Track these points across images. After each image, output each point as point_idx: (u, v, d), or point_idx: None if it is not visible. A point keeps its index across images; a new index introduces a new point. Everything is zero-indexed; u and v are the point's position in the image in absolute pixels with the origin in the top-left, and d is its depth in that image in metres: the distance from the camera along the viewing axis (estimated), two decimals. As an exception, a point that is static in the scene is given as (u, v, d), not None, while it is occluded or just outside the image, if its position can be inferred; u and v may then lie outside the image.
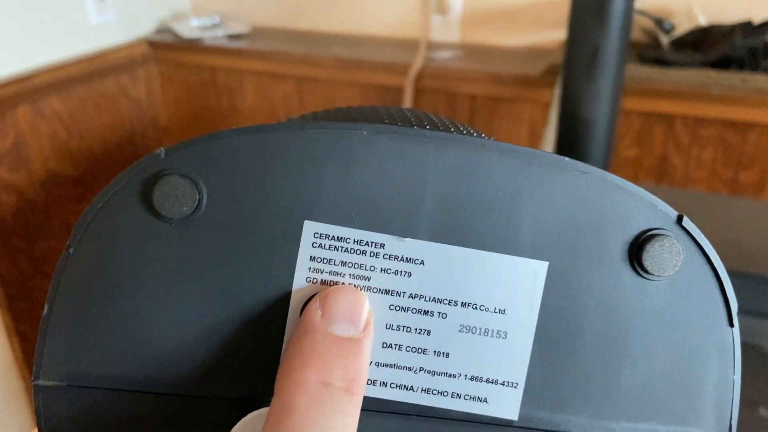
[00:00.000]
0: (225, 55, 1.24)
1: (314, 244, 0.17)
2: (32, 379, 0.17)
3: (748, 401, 0.44)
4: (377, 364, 0.17)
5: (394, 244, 0.17)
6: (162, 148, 0.17)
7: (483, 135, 0.21)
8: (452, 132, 0.19)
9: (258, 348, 0.17)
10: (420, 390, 0.17)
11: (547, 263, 0.17)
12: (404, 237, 0.17)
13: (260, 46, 1.23)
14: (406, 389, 0.17)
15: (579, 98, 0.78)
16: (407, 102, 1.12)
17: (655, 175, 1.02)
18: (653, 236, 0.17)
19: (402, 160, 0.17)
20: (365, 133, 0.16)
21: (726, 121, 0.94)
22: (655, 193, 0.17)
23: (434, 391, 0.17)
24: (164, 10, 1.36)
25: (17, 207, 1.06)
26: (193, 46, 1.26)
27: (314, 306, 0.16)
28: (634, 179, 1.02)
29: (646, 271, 0.17)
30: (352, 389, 0.16)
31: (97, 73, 1.18)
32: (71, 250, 0.17)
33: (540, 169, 0.17)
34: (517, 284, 0.17)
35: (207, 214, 0.17)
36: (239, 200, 0.17)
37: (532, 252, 0.17)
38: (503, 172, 0.17)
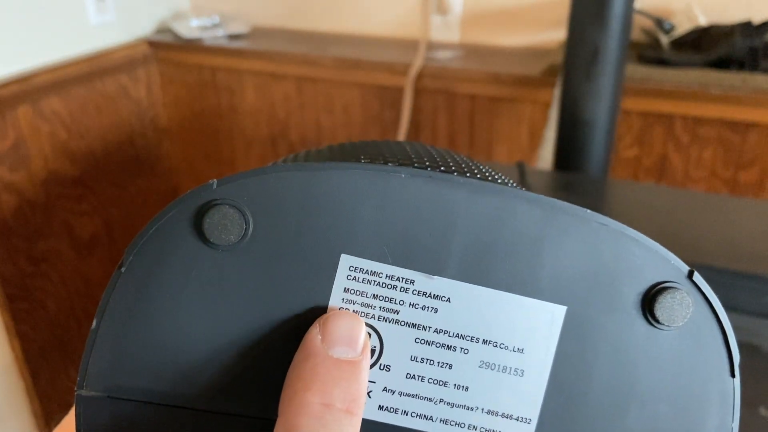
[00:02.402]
0: (225, 55, 1.24)
1: (349, 277, 0.18)
2: (75, 389, 0.18)
3: (748, 401, 0.44)
4: (400, 393, 0.18)
5: (423, 281, 0.18)
6: (214, 179, 0.18)
7: (506, 179, 0.23)
8: (477, 175, 0.21)
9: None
10: (439, 420, 0.18)
11: (565, 308, 0.18)
12: (433, 275, 0.18)
13: (260, 46, 1.23)
14: (426, 418, 0.18)
15: (579, 98, 0.78)
16: (407, 102, 1.12)
17: (655, 175, 1.02)
18: (665, 289, 0.18)
19: (435, 202, 0.18)
20: (403, 176, 0.18)
21: (726, 121, 0.94)
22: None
23: (452, 422, 0.18)
24: (164, 10, 1.36)
25: (17, 207, 1.06)
26: (193, 46, 1.26)
27: (314, 331, 0.17)
28: (634, 179, 1.02)
29: (658, 321, 0.18)
30: (352, 410, 0.16)
31: (97, 73, 1.18)
32: (123, 269, 0.18)
33: (562, 220, 0.18)
34: (535, 326, 0.18)
35: (252, 243, 0.18)
36: (282, 231, 0.18)
37: (551, 296, 0.18)
38: (528, 220, 0.18)
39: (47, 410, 1.16)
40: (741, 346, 0.18)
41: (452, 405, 0.18)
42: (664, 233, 0.60)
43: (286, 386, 0.17)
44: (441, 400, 0.18)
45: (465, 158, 0.23)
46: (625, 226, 0.18)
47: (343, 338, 0.17)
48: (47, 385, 1.16)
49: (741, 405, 0.19)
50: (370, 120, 1.19)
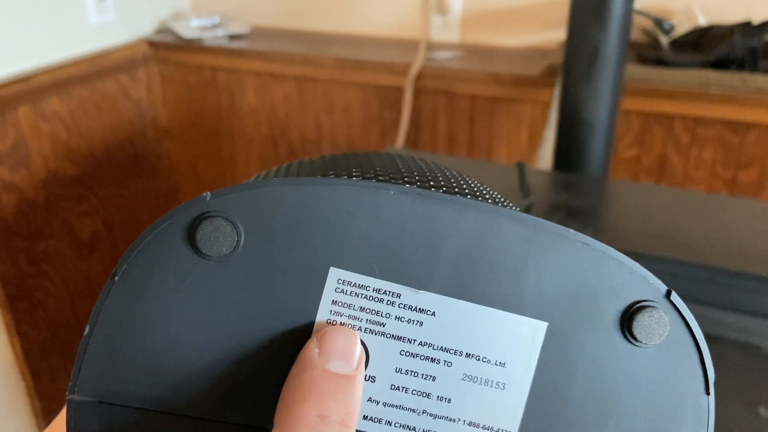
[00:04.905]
0: (225, 55, 1.24)
1: (337, 289, 0.18)
2: (67, 393, 0.18)
3: (748, 401, 0.44)
4: (384, 404, 0.19)
5: (409, 295, 0.18)
6: (208, 192, 0.18)
7: (495, 195, 0.23)
8: (465, 191, 0.21)
9: (278, 380, 0.18)
10: (422, 431, 0.19)
11: (547, 324, 0.19)
12: (419, 289, 0.18)
13: (260, 46, 1.23)
14: (409, 429, 0.19)
15: (579, 98, 0.78)
16: (407, 102, 1.12)
17: (654, 175, 1.02)
18: (643, 307, 0.19)
19: (423, 219, 0.18)
20: (392, 193, 0.18)
21: (725, 121, 0.94)
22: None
23: None
24: (164, 10, 1.36)
25: (18, 206, 1.06)
26: (193, 46, 1.26)
27: (312, 344, 0.18)
28: (634, 179, 1.02)
29: (635, 339, 0.19)
30: (347, 422, 0.17)
31: (97, 73, 1.18)
32: (116, 278, 0.18)
33: (546, 238, 0.18)
34: (517, 341, 0.19)
35: (243, 255, 0.18)
36: (273, 244, 0.18)
37: (534, 312, 0.19)
38: (513, 238, 0.18)
39: (47, 410, 1.17)
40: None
41: (435, 416, 0.19)
42: (664, 233, 0.60)
43: (283, 397, 0.17)
44: (424, 411, 0.19)
45: (455, 173, 0.24)
46: (606, 245, 0.19)
47: (339, 352, 0.18)
48: (48, 385, 1.16)
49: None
50: (370, 120, 1.20)
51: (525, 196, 0.67)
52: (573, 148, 0.81)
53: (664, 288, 0.19)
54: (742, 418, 0.43)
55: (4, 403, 1.10)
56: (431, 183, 0.21)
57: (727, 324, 0.51)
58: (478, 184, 0.24)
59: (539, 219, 0.18)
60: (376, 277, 0.18)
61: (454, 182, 0.22)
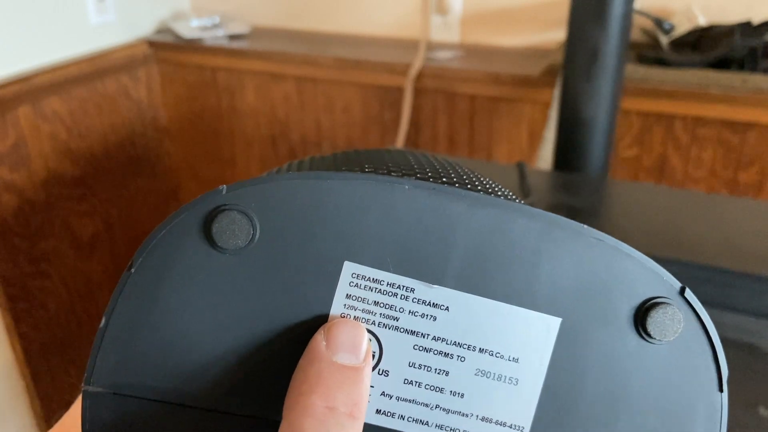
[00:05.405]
0: (225, 55, 1.24)
1: (351, 284, 0.19)
2: (82, 384, 0.18)
3: (748, 401, 0.44)
4: (397, 398, 0.19)
5: (423, 289, 0.19)
6: (224, 185, 0.18)
7: (507, 192, 0.23)
8: (478, 188, 0.21)
9: (289, 373, 0.18)
10: (434, 426, 0.19)
11: (560, 319, 0.19)
12: (433, 284, 0.19)
13: (260, 46, 1.23)
14: (422, 423, 0.19)
15: (579, 98, 0.78)
16: (407, 102, 1.12)
17: (654, 175, 1.02)
18: (657, 304, 0.19)
19: (437, 213, 0.18)
20: (407, 187, 0.18)
21: (725, 121, 0.94)
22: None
23: (447, 428, 0.19)
24: (164, 10, 1.36)
25: (18, 206, 1.06)
26: (193, 46, 1.26)
27: (319, 337, 0.18)
28: (634, 179, 1.02)
29: (649, 335, 0.19)
30: (354, 414, 0.17)
31: (97, 73, 1.18)
32: (132, 270, 0.18)
33: (559, 234, 0.19)
34: (531, 336, 0.19)
35: (258, 248, 0.18)
36: (288, 237, 0.18)
37: (547, 308, 0.19)
38: (527, 233, 0.18)
39: (48, 409, 1.16)
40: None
41: (448, 411, 0.19)
42: (664, 233, 0.60)
43: (291, 389, 0.17)
44: (437, 406, 0.19)
45: (467, 170, 0.24)
46: (619, 241, 0.19)
47: (346, 345, 0.18)
48: (47, 385, 1.16)
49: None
50: (370, 120, 1.20)
51: (525, 196, 0.67)
52: (573, 148, 0.81)
53: (678, 284, 0.19)
54: (742, 418, 0.43)
55: (4, 403, 1.10)
56: (444, 180, 0.21)
57: (727, 324, 0.51)
58: (491, 182, 0.24)
59: (553, 215, 0.18)
60: (390, 272, 0.18)
61: (466, 179, 0.22)
